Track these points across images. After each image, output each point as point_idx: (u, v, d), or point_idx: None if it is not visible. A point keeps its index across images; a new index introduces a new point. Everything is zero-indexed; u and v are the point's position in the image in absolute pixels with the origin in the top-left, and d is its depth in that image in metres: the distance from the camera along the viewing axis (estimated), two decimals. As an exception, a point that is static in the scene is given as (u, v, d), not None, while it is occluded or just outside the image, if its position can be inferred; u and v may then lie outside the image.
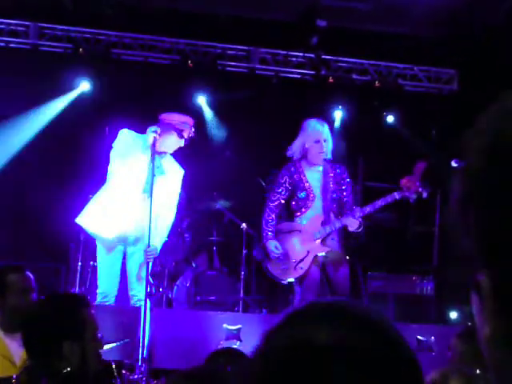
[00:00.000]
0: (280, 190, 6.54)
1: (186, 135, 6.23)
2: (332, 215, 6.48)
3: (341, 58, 10.33)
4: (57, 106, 9.59)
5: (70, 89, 9.71)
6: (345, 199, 6.54)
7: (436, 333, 6.07)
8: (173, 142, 6.23)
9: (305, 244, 6.40)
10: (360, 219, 6.31)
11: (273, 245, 6.40)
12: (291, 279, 6.46)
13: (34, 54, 9.68)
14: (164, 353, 5.59)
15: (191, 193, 8.81)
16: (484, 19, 9.47)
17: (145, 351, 5.19)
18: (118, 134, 6.26)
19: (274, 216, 6.52)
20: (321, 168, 6.55)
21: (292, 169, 6.56)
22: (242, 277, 7.95)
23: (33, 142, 9.39)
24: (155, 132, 6.03)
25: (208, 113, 10.19)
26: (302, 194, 6.47)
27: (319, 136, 6.48)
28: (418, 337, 5.94)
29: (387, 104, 10.40)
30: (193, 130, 6.31)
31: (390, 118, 10.50)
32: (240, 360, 5.02)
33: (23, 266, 4.07)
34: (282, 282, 6.54)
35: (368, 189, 10.50)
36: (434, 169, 10.29)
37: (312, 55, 10.17)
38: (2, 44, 9.67)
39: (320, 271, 6.41)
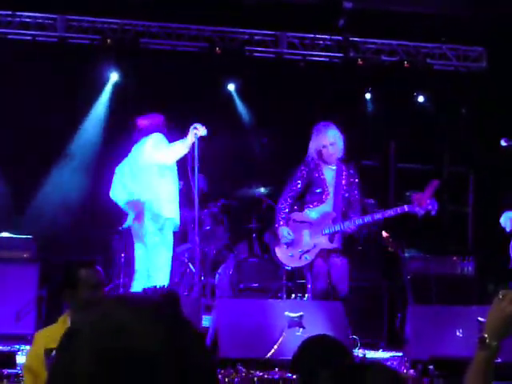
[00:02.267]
0: (298, 182, 6.83)
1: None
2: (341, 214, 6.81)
3: (369, 40, 10.27)
4: (98, 102, 9.68)
5: (99, 80, 9.69)
6: (353, 199, 6.83)
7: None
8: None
9: (313, 237, 6.69)
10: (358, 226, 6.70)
11: (285, 231, 6.69)
12: (295, 266, 6.86)
13: (62, 47, 9.64)
14: (229, 342, 5.58)
15: (228, 181, 8.83)
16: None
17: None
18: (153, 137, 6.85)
19: (286, 204, 6.79)
20: (334, 167, 6.86)
21: (311, 165, 6.85)
22: (283, 263, 7.95)
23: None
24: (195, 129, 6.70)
25: (237, 99, 10.16)
26: (318, 190, 6.77)
27: (325, 141, 6.79)
28: (479, 318, 5.91)
29: (417, 84, 10.33)
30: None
31: (421, 98, 10.44)
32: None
33: (94, 260, 4.08)
34: (286, 267, 7.00)
35: (400, 171, 10.50)
36: (466, 148, 10.30)
37: (339, 38, 10.11)
38: (29, 38, 9.63)
39: (325, 262, 6.67)
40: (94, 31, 9.69)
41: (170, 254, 6.81)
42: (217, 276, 8.17)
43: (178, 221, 6.94)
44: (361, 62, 10.10)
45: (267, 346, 5.54)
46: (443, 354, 5.93)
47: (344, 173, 6.84)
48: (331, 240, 6.65)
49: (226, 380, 5.13)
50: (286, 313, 5.76)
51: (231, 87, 10.17)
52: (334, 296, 6.50)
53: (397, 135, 10.38)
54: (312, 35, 10.23)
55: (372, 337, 7.59)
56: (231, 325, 5.74)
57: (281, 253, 6.75)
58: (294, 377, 5.22)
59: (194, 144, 6.70)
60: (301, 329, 5.67)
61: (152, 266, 6.70)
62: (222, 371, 5.24)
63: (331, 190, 6.77)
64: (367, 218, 6.62)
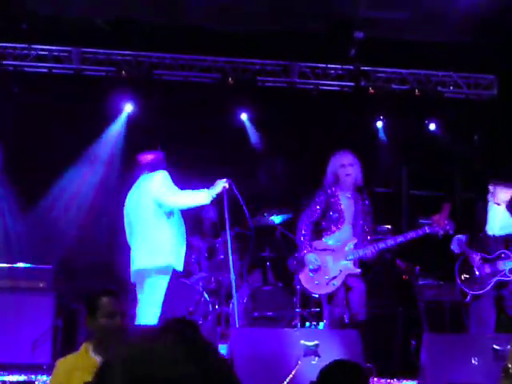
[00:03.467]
0: (317, 208, 6.93)
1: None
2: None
3: (379, 69, 10.37)
4: (112, 132, 9.79)
5: (114, 111, 9.81)
6: (368, 229, 6.98)
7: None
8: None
9: (337, 263, 6.79)
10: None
11: (313, 257, 6.78)
12: (322, 293, 6.85)
13: (78, 79, 9.78)
14: (245, 371, 5.60)
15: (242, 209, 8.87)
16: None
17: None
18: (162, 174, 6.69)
19: (309, 231, 6.90)
20: (349, 195, 6.98)
21: (329, 191, 6.97)
22: (298, 291, 7.98)
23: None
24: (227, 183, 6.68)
25: (251, 129, 10.26)
26: (335, 215, 6.89)
27: (343, 160, 6.96)
28: (494, 346, 5.92)
29: (428, 112, 10.41)
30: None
31: (432, 126, 10.51)
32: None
33: (116, 289, 4.14)
34: (312, 294, 7.05)
35: (413, 198, 10.54)
36: (477, 175, 10.33)
37: (351, 67, 10.21)
38: (45, 70, 9.78)
39: (343, 288, 6.81)
40: (109, 63, 9.84)
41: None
42: (231, 305, 8.19)
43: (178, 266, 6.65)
44: (372, 91, 10.20)
45: (283, 375, 5.56)
46: (459, 382, 5.93)
47: (360, 202, 6.97)
48: (355, 265, 6.81)
49: (243, 409, 5.15)
50: (302, 341, 5.79)
51: (244, 117, 10.26)
52: (352, 320, 6.58)
53: (409, 162, 10.45)
54: (324, 65, 10.34)
55: (387, 365, 7.58)
56: (247, 353, 5.76)
57: (306, 280, 6.83)
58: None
59: (223, 197, 6.66)
60: (316, 357, 5.69)
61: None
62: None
63: (347, 216, 6.90)
64: (390, 242, 6.78)
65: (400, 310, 8.40)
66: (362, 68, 10.21)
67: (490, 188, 7.12)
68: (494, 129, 10.20)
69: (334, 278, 6.74)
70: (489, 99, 10.57)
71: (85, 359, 3.90)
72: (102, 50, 9.81)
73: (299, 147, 9.95)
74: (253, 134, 10.29)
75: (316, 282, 6.78)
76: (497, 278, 6.85)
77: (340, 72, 10.37)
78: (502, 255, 6.91)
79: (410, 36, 10.00)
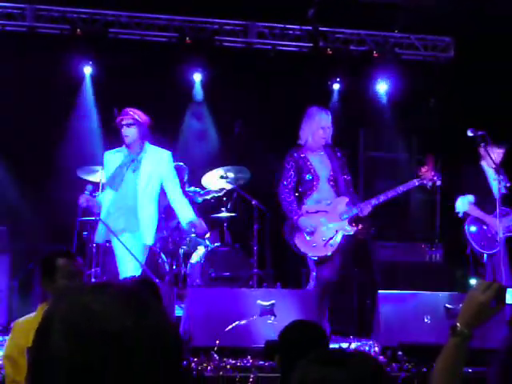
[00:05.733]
0: (289, 175, 6.87)
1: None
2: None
3: (338, 30, 10.33)
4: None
5: (70, 71, 9.64)
6: (344, 182, 6.95)
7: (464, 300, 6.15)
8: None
9: (332, 223, 6.77)
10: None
11: (307, 221, 6.72)
12: (321, 255, 6.77)
13: (31, 37, 9.58)
14: (201, 331, 5.64)
15: (200, 171, 8.86)
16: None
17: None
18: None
19: (294, 197, 6.84)
20: (322, 152, 6.96)
21: (295, 154, 6.91)
22: (255, 251, 8.03)
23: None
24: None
25: (199, 92, 10.17)
26: (308, 176, 6.84)
27: (322, 122, 6.91)
28: (447, 305, 6.05)
29: (385, 74, 10.42)
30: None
31: (389, 88, 10.52)
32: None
33: (71, 250, 4.14)
34: (310, 258, 6.85)
35: (370, 159, 10.62)
36: (434, 136, 10.43)
37: (309, 27, 10.16)
38: (-2, 27, 9.56)
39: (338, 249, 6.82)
40: (64, 21, 9.63)
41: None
42: (189, 265, 8.22)
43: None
44: (329, 52, 10.17)
45: (240, 334, 5.62)
46: (412, 341, 6.06)
47: (334, 157, 6.96)
48: (351, 224, 6.81)
49: (200, 368, 5.20)
50: (258, 301, 5.84)
51: (197, 77, 10.14)
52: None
53: (366, 124, 10.50)
54: (282, 25, 10.27)
55: (342, 324, 7.69)
56: (203, 313, 5.80)
57: (303, 244, 6.77)
58: (267, 364, 5.31)
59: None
60: (272, 317, 5.76)
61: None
62: (195, 359, 5.31)
63: (322, 174, 6.86)
64: (382, 197, 6.79)
65: (355, 270, 8.51)
66: (321, 29, 10.16)
67: (481, 152, 7.32)
68: (450, 91, 10.27)
69: (331, 238, 6.73)
70: (446, 62, 10.62)
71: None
72: (56, 7, 9.60)
73: (258, 108, 9.90)
74: (207, 94, 10.18)
75: (314, 245, 6.73)
76: (506, 234, 7.13)
77: (298, 33, 10.32)
78: (503, 212, 7.17)
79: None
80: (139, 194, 6.55)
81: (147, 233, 6.54)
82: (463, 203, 7.26)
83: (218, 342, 5.48)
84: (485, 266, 7.16)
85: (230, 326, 5.61)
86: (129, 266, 6.31)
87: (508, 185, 7.25)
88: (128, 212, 6.55)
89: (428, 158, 7.02)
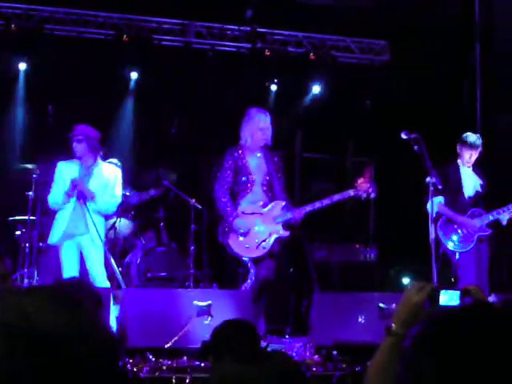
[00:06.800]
0: (227, 174, 6.91)
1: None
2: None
3: (276, 31, 10.38)
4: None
5: (4, 66, 9.45)
6: (279, 187, 7.03)
7: (397, 300, 6.25)
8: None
9: (266, 226, 6.85)
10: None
11: (242, 222, 6.81)
12: (253, 256, 6.87)
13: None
14: (137, 332, 5.61)
15: (137, 169, 8.80)
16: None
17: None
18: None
19: (229, 197, 6.90)
20: (259, 154, 7.02)
21: (235, 154, 6.97)
22: (192, 252, 8.02)
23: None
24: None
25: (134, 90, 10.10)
26: (243, 179, 6.91)
27: (261, 123, 6.98)
28: (380, 304, 6.14)
29: (322, 76, 10.51)
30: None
31: (324, 90, 10.59)
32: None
33: (1, 251, 4.07)
34: (242, 258, 6.93)
35: (306, 160, 10.70)
36: (369, 139, 10.57)
37: (248, 28, 10.19)
38: None
39: (271, 251, 6.92)
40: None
41: None
42: (124, 265, 8.15)
43: None
44: (268, 53, 10.21)
45: (176, 335, 5.60)
46: (346, 340, 6.13)
47: (270, 161, 7.03)
48: (285, 228, 6.89)
49: (135, 369, 5.16)
50: (195, 302, 5.83)
51: (134, 76, 10.04)
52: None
53: (303, 125, 10.57)
54: (220, 25, 10.27)
55: (279, 323, 7.73)
56: (139, 314, 5.76)
57: (236, 245, 6.84)
58: (203, 364, 5.31)
59: None
60: (209, 317, 5.76)
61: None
62: (131, 360, 5.27)
63: (257, 178, 6.94)
64: (317, 205, 6.86)
65: (292, 270, 8.56)
66: (259, 30, 10.20)
67: (458, 150, 7.37)
68: (385, 94, 10.42)
69: (264, 241, 6.81)
70: (381, 64, 10.77)
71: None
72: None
73: (194, 107, 9.88)
74: (145, 93, 10.10)
75: (247, 246, 6.81)
76: (478, 234, 7.17)
77: (237, 33, 10.33)
78: (475, 213, 7.23)
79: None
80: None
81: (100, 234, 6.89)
82: (434, 204, 7.31)
83: (169, 344, 5.49)
84: (457, 265, 7.24)
85: (176, 337, 5.62)
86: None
87: (482, 183, 7.34)
88: (84, 217, 6.91)
89: (366, 169, 7.14)
